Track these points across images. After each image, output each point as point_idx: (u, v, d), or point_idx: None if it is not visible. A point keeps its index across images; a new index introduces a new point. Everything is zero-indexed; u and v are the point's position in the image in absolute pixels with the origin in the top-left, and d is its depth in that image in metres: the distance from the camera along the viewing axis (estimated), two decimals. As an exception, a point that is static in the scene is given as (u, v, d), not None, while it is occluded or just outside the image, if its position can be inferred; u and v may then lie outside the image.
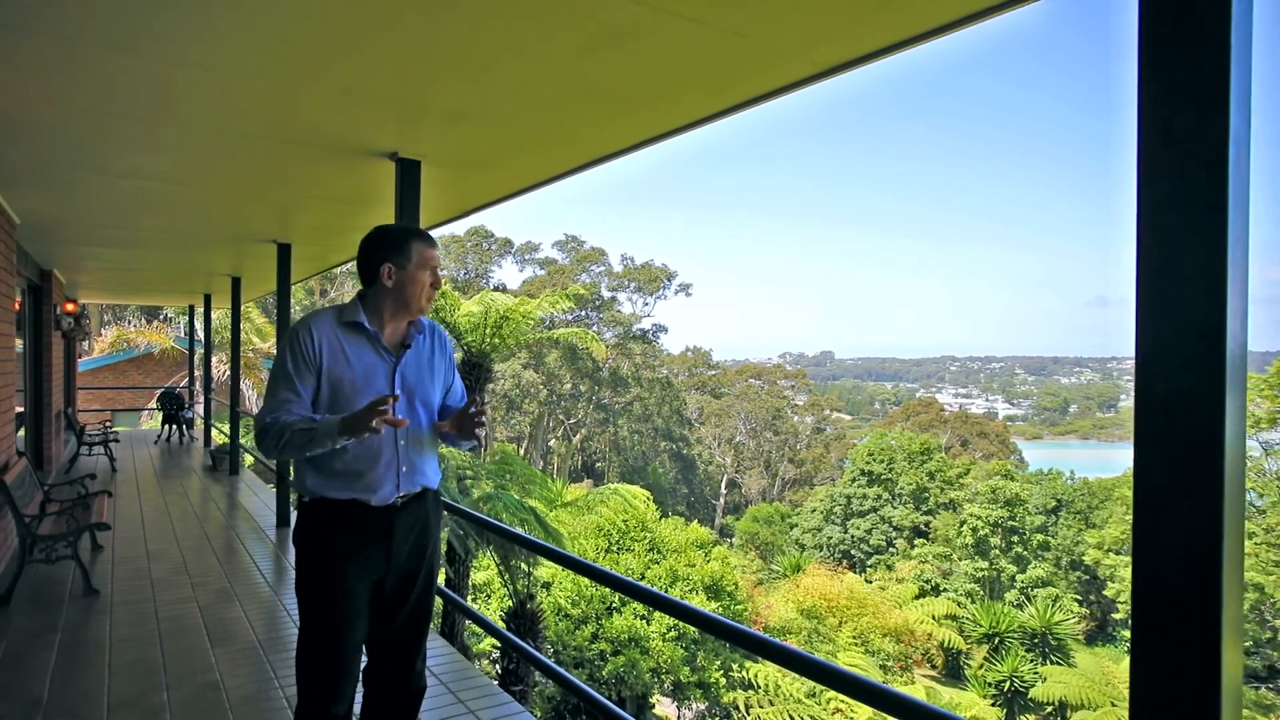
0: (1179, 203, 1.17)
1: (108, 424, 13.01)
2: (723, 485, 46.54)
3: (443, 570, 9.82)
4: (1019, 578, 26.96)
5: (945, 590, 26.39)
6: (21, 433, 8.31)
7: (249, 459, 10.56)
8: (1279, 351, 19.12)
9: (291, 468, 2.26)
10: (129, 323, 26.31)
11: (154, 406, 17.52)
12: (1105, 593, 23.73)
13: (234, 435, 10.20)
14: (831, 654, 17.19)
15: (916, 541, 30.74)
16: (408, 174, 4.11)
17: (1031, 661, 19.38)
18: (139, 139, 3.91)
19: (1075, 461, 37.67)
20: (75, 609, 4.83)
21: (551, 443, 44.68)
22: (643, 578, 14.73)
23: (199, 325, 16.68)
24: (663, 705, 15.64)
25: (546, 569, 12.69)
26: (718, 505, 45.69)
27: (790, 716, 12.91)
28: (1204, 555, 1.13)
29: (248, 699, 3.55)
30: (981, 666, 19.30)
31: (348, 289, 35.47)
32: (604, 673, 12.54)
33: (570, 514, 13.93)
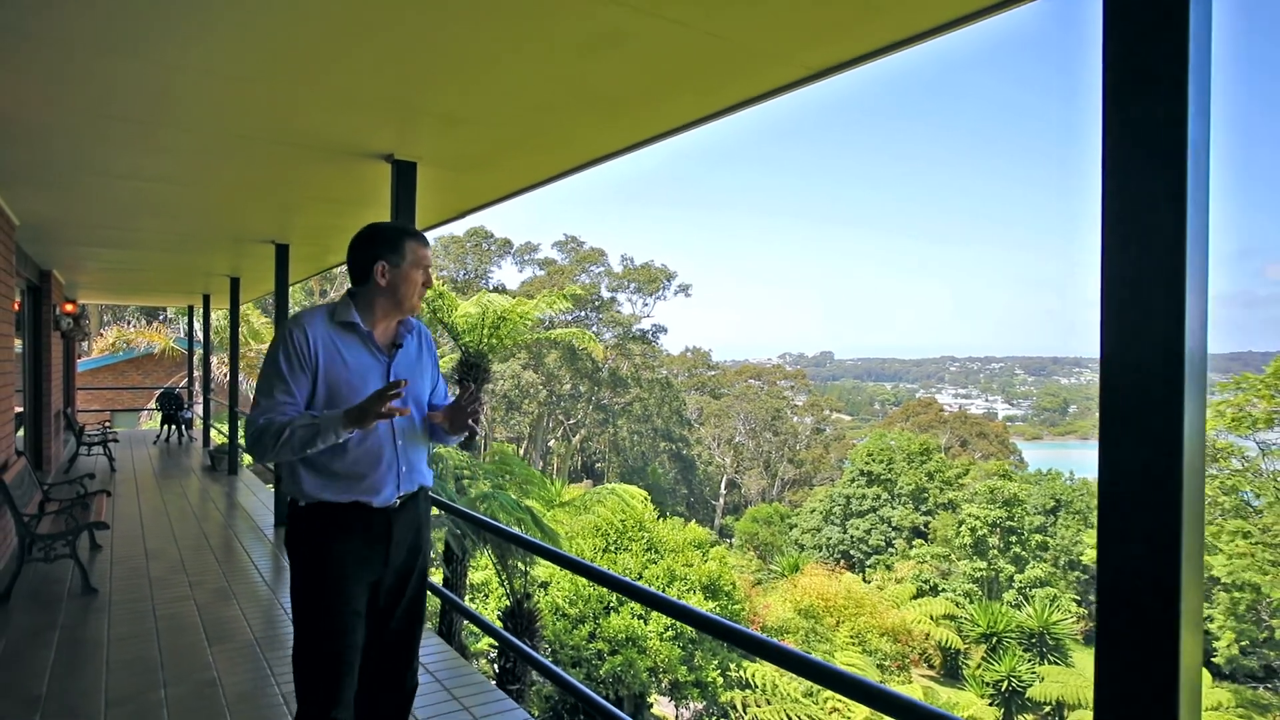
0: (1138, 209, 1.20)
1: (107, 424, 13.04)
2: (722, 486, 46.56)
3: (440, 570, 9.87)
4: (1017, 578, 26.99)
5: (944, 590, 26.42)
6: (21, 433, 8.35)
7: (248, 459, 10.61)
8: (1274, 352, 19.15)
9: (283, 471, 2.22)
10: (129, 323, 26.33)
11: (153, 407, 17.56)
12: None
13: (233, 435, 10.24)
14: (829, 654, 17.22)
15: (915, 542, 30.77)
16: (404, 175, 4.15)
17: (1029, 661, 19.41)
18: (137, 141, 3.95)
19: (1075, 462, 37.70)
20: (74, 607, 4.86)
21: (551, 443, 44.70)
22: (640, 577, 14.77)
23: (198, 325, 16.72)
24: (661, 705, 15.68)
25: (544, 568, 12.73)
26: (717, 505, 45.71)
27: (787, 715, 12.95)
28: (1164, 552, 1.17)
29: (244, 696, 3.59)
30: (979, 666, 19.33)
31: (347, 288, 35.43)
32: (601, 672, 12.57)
33: (567, 514, 13.96)
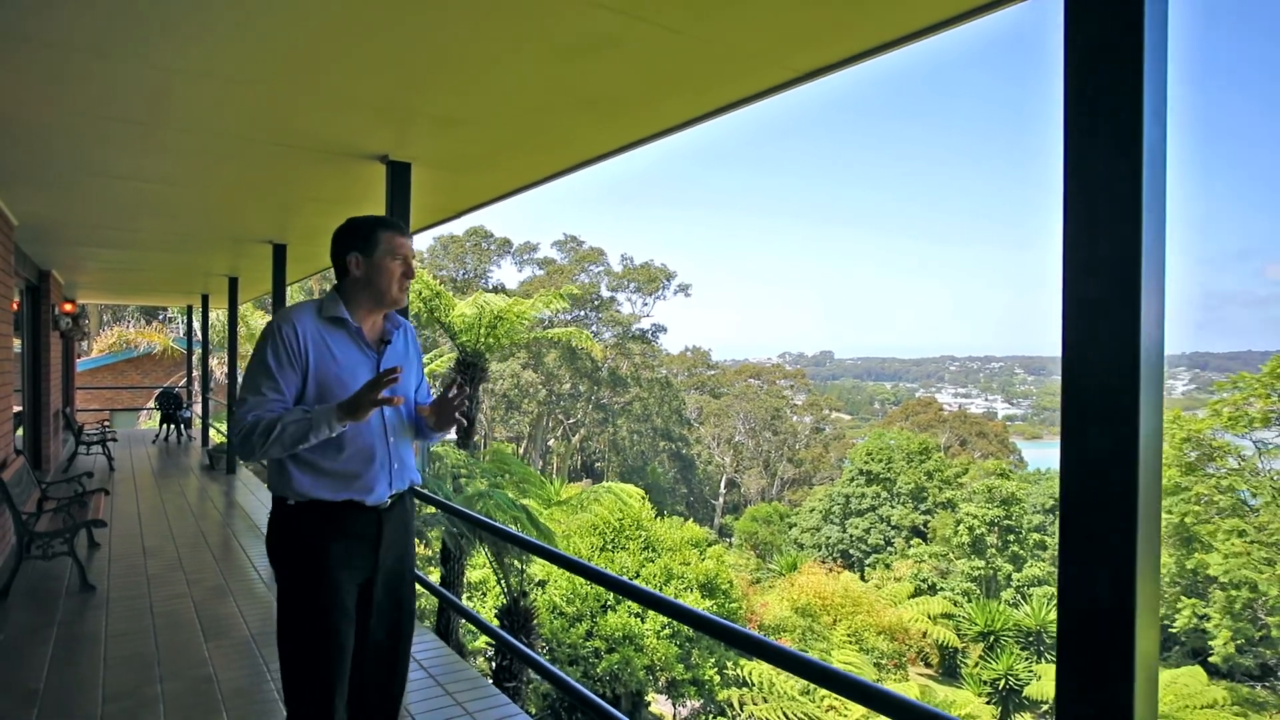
0: (1096, 213, 1.24)
1: (106, 423, 13.08)
2: (722, 485, 46.59)
3: (438, 569, 9.91)
4: (1015, 576, 27.04)
5: (942, 589, 26.46)
6: (20, 432, 8.38)
7: (247, 458, 10.66)
8: (1275, 351, 19.19)
9: (271, 469, 2.15)
10: (128, 323, 26.38)
11: (152, 406, 17.61)
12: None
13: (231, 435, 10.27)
14: (825, 652, 17.26)
15: (913, 541, 30.81)
16: (399, 176, 4.19)
17: (1026, 660, 19.45)
18: (136, 142, 3.98)
19: (1073, 461, 37.66)
20: (71, 604, 4.90)
21: (551, 443, 44.74)
22: (637, 576, 14.81)
23: (197, 325, 16.76)
24: (658, 703, 15.72)
25: (541, 566, 12.77)
26: (717, 505, 45.75)
27: (784, 714, 12.99)
28: (1120, 545, 1.21)
29: (240, 691, 3.63)
30: (977, 665, 19.37)
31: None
32: (598, 670, 12.61)
33: (564, 512, 14.01)
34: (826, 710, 12.94)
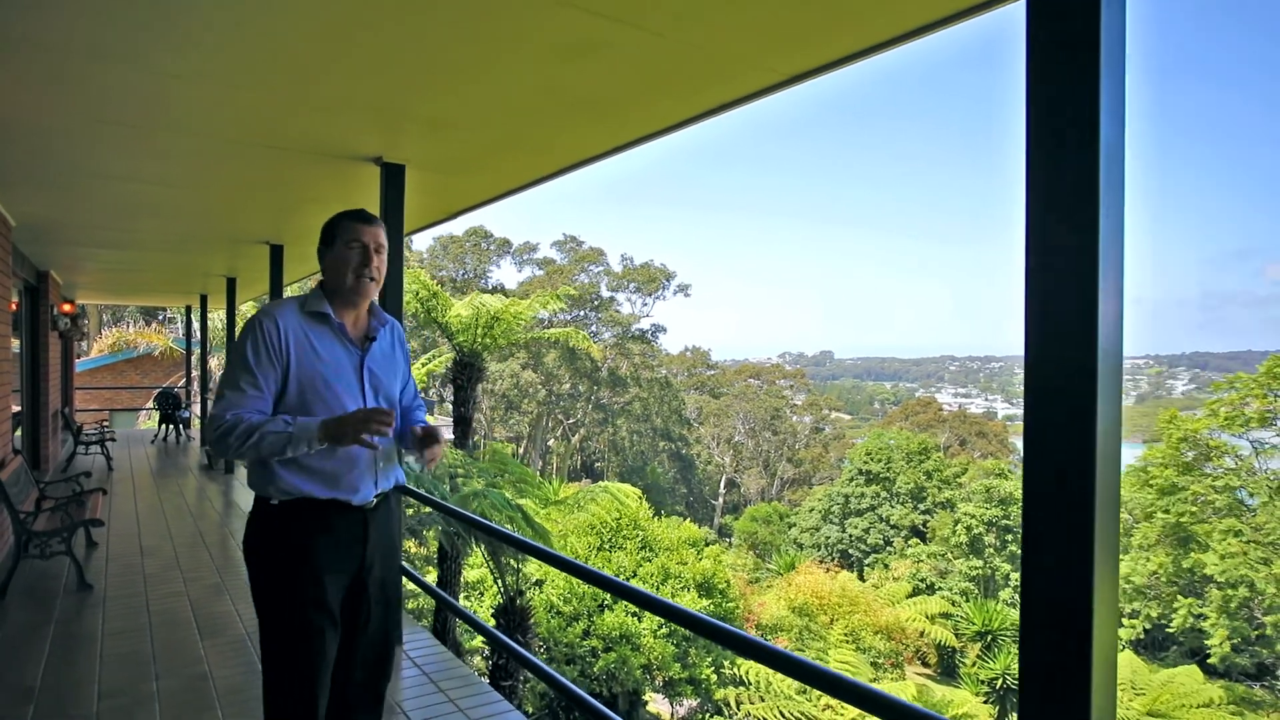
0: (1057, 221, 1.28)
1: (105, 423, 13.11)
2: (721, 485, 46.61)
3: (434, 569, 9.94)
4: (1013, 576, 27.04)
5: (940, 589, 26.48)
6: (18, 432, 8.42)
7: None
8: (1275, 351, 19.22)
9: (253, 467, 2.10)
10: (128, 324, 26.41)
11: (151, 406, 17.64)
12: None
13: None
14: (822, 651, 17.29)
15: (911, 541, 30.83)
16: (392, 178, 4.23)
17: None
18: (133, 144, 4.02)
19: (1073, 461, 37.65)
20: (69, 603, 4.94)
21: (550, 443, 44.76)
22: (634, 575, 14.84)
23: (196, 326, 16.79)
24: (656, 702, 15.75)
25: (539, 566, 12.81)
26: (716, 505, 45.77)
27: (781, 713, 13.03)
28: (1078, 539, 1.24)
29: (235, 689, 3.66)
30: (974, 664, 19.39)
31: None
32: (595, 669, 12.64)
33: (561, 512, 14.03)
34: (823, 709, 12.97)
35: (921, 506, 32.39)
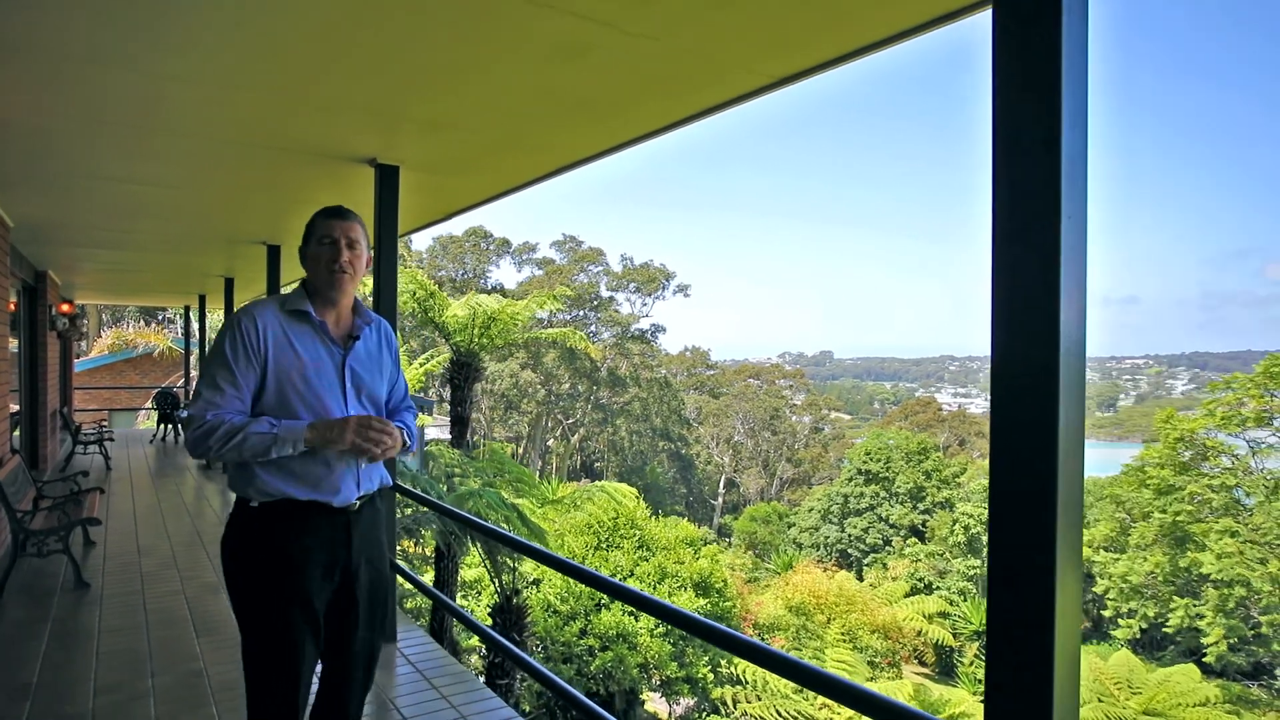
0: (1020, 223, 1.31)
1: (103, 423, 13.15)
2: (721, 485, 46.65)
3: (430, 569, 9.98)
4: (1012, 576, 26.99)
5: (939, 588, 26.51)
6: (17, 432, 8.45)
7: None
8: (1275, 351, 19.26)
9: (232, 468, 2.08)
10: (127, 324, 26.45)
11: (150, 406, 17.66)
12: (1095, 589, 23.91)
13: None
14: (819, 650, 17.33)
15: (910, 540, 30.86)
16: (387, 178, 4.26)
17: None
18: (129, 146, 4.05)
19: (1072, 461, 37.55)
20: (66, 601, 4.97)
21: (550, 443, 44.80)
22: (631, 575, 14.87)
23: (195, 326, 16.82)
24: (653, 701, 15.79)
25: (535, 565, 12.85)
26: (716, 505, 45.81)
27: (777, 711, 13.07)
28: (1041, 532, 1.27)
29: (229, 685, 3.69)
30: (972, 663, 19.44)
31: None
32: (592, 668, 12.68)
33: (557, 511, 14.06)
34: (820, 708, 13.01)
35: (920, 506, 32.41)
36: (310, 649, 2.05)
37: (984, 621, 20.76)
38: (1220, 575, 18.34)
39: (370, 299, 4.28)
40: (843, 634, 17.72)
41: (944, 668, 21.66)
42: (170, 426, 13.84)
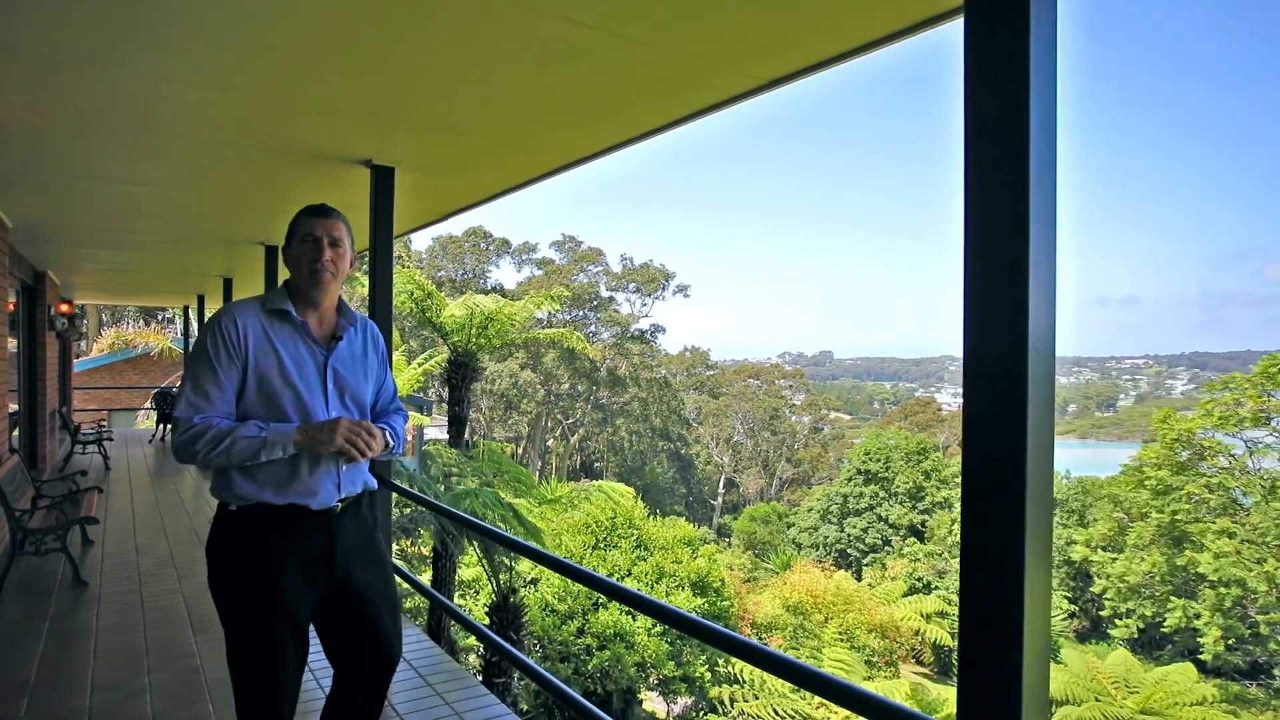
0: (991, 226, 1.34)
1: (102, 423, 13.17)
2: (720, 485, 46.68)
3: (428, 568, 10.01)
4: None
5: (937, 588, 26.54)
6: (15, 432, 8.48)
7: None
8: (1269, 351, 19.30)
9: (212, 473, 2.07)
10: (127, 324, 26.48)
11: (149, 406, 17.69)
12: (1093, 589, 23.96)
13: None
14: (816, 650, 17.35)
15: (908, 540, 30.90)
16: (382, 179, 4.29)
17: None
18: (126, 147, 4.08)
19: (1073, 460, 37.76)
20: (64, 599, 5.00)
21: (550, 443, 44.84)
22: (628, 574, 14.91)
23: (194, 326, 16.85)
24: (651, 700, 15.82)
25: (533, 564, 12.89)
26: (715, 505, 45.84)
27: (775, 710, 13.11)
28: (1010, 530, 1.31)
29: (224, 682, 3.71)
30: (970, 663, 19.44)
31: (344, 289, 35.57)
32: (589, 667, 12.72)
33: (554, 511, 14.08)
34: (817, 707, 13.04)
35: (920, 506, 32.43)
36: (292, 653, 2.03)
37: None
38: (1217, 575, 18.38)
39: (366, 298, 4.30)
40: (840, 633, 17.75)
41: (942, 667, 21.69)
42: (169, 426, 13.86)
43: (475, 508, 8.66)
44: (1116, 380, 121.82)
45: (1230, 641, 18.68)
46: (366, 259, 4.66)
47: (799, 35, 2.49)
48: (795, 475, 47.53)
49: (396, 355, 15.59)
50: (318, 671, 3.74)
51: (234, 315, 2.01)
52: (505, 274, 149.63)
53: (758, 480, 47.33)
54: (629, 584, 13.93)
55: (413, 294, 12.41)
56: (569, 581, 13.56)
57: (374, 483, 2.25)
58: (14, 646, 4.19)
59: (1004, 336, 1.31)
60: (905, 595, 22.59)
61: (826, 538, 33.19)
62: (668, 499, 41.14)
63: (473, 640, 13.10)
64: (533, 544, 3.57)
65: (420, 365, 14.95)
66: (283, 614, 1.99)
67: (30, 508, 5.96)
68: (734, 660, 14.47)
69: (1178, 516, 20.06)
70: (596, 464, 45.83)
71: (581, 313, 45.00)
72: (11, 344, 7.48)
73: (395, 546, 10.44)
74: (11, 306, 7.32)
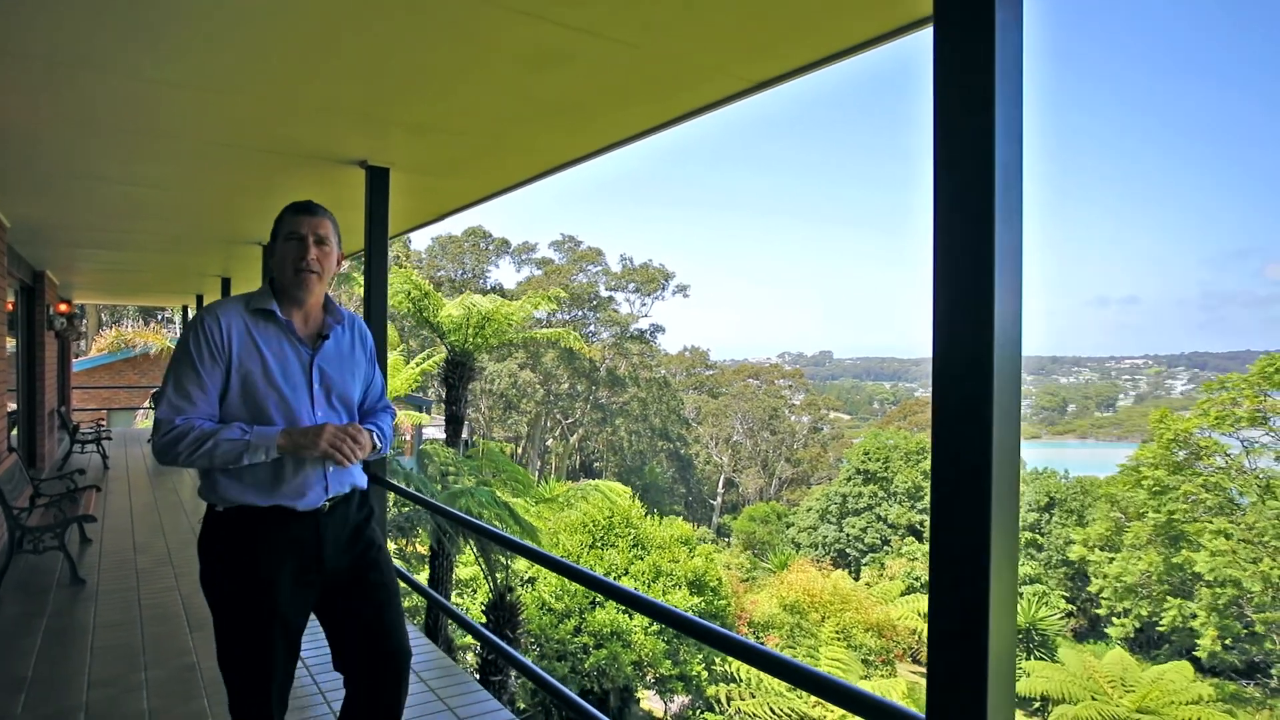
0: (958, 228, 1.38)
1: (101, 422, 13.20)
2: (720, 485, 46.72)
3: (425, 567, 10.05)
4: (1008, 575, 27.03)
5: (936, 588, 26.56)
6: (14, 431, 8.52)
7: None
8: (1275, 351, 19.34)
9: (199, 474, 2.05)
10: (127, 324, 26.52)
11: (148, 406, 17.73)
12: (1090, 589, 24.00)
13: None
14: (813, 648, 17.38)
15: (907, 539, 30.94)
16: (377, 180, 4.33)
17: (1016, 657, 19.52)
18: (123, 149, 4.12)
19: (1072, 460, 37.72)
20: (61, 597, 5.03)
21: (549, 442, 44.88)
22: (625, 574, 14.95)
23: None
24: (648, 699, 15.86)
25: (529, 563, 12.92)
26: (715, 505, 45.88)
27: (771, 709, 13.15)
28: (977, 528, 1.34)
29: (220, 678, 3.73)
30: (968, 662, 19.46)
31: (341, 289, 35.59)
32: (586, 666, 12.76)
33: (551, 510, 14.11)
34: (813, 705, 13.08)
35: (919, 506, 32.46)
36: (281, 655, 2.01)
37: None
38: (1214, 574, 18.43)
39: (362, 298, 4.34)
40: (837, 632, 17.78)
41: (940, 667, 21.70)
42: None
43: (471, 506, 8.70)
44: (1116, 380, 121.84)
45: (1226, 641, 18.72)
46: (362, 259, 4.70)
47: (782, 40, 2.53)
48: (794, 475, 47.56)
49: (395, 355, 15.63)
50: (314, 669, 3.78)
51: (217, 315, 1.98)
52: (505, 274, 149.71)
53: (757, 480, 47.37)
54: (626, 583, 13.98)
55: (410, 294, 12.45)
56: (566, 580, 13.59)
57: (364, 482, 2.21)
58: (11, 643, 4.22)
59: (971, 335, 1.35)
60: (903, 594, 22.62)
61: (825, 537, 33.22)
62: (667, 499, 41.18)
63: (469, 639, 13.14)
64: (529, 543, 3.60)
65: (418, 365, 15.00)
66: (272, 615, 1.97)
67: (29, 506, 6.00)
68: (731, 659, 14.51)
69: (1174, 516, 20.10)
70: (596, 464, 45.87)
71: (581, 312, 45.04)
72: (10, 344, 7.52)
73: (392, 546, 10.47)
74: (10, 306, 7.35)
